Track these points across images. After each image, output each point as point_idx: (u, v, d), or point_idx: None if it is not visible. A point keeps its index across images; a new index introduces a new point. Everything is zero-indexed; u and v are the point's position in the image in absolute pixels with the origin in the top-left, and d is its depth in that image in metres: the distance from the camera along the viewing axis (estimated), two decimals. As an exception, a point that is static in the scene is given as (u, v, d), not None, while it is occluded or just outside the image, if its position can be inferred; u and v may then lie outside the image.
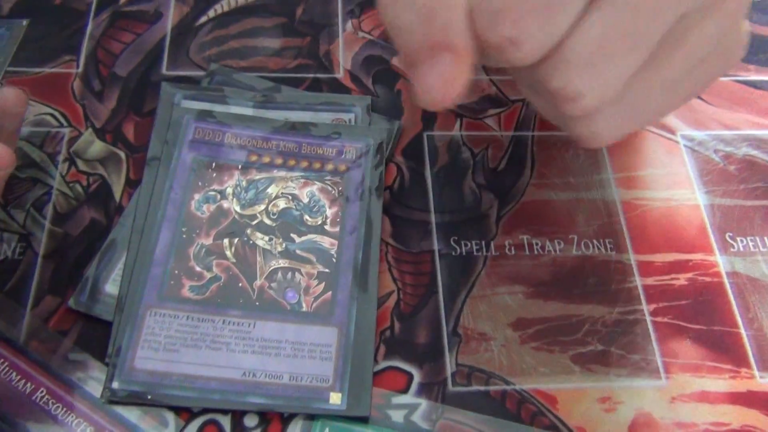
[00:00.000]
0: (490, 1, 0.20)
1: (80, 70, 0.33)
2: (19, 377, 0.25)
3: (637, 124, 0.24)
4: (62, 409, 0.24)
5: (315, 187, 0.29)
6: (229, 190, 0.29)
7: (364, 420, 0.25)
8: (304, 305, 0.27)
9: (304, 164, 0.30)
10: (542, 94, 0.23)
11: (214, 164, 0.29)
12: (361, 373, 0.25)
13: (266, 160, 0.30)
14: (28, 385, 0.25)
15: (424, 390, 0.26)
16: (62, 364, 0.25)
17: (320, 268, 0.28)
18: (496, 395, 0.26)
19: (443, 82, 0.20)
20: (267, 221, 0.28)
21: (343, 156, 0.30)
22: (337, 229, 0.28)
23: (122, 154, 0.30)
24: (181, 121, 0.30)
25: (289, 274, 0.27)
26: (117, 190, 0.29)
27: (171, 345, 0.25)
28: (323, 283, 0.27)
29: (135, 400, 0.24)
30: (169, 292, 0.26)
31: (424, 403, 0.26)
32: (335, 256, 0.28)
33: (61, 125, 0.31)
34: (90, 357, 0.25)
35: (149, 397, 0.24)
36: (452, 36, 0.20)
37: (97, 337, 0.26)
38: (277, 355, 0.26)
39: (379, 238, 0.28)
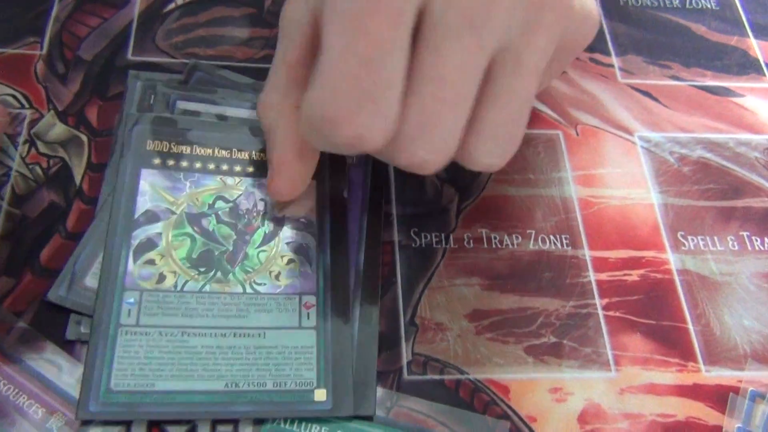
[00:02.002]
0: (323, 110, 0.21)
1: (44, 52, 0.32)
2: (-30, 357, 0.24)
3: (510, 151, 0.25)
4: (13, 390, 0.24)
5: None
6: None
7: (368, 419, 0.25)
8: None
9: None
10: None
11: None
12: (344, 372, 0.25)
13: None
14: (-20, 365, 0.24)
15: (380, 378, 0.26)
16: (15, 344, 0.25)
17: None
18: (451, 384, 0.26)
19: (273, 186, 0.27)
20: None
21: None
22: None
23: (84, 138, 0.30)
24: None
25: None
26: (78, 173, 0.29)
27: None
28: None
29: (115, 419, 0.24)
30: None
31: (379, 391, 0.26)
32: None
33: (23, 106, 0.31)
34: (44, 339, 0.25)
35: (129, 416, 0.24)
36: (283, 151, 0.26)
37: (52, 318, 0.26)
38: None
39: (356, 242, 0.28)
